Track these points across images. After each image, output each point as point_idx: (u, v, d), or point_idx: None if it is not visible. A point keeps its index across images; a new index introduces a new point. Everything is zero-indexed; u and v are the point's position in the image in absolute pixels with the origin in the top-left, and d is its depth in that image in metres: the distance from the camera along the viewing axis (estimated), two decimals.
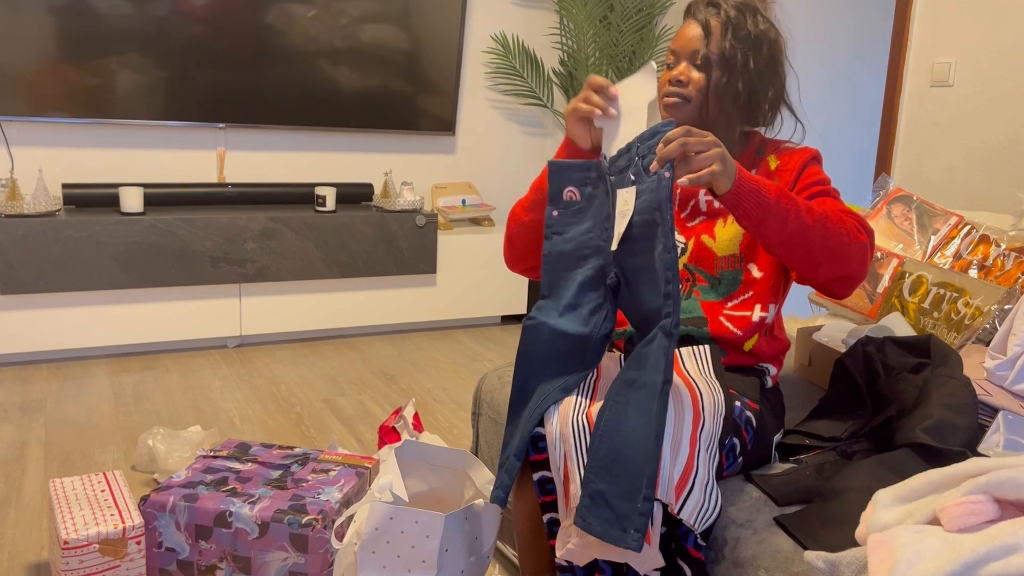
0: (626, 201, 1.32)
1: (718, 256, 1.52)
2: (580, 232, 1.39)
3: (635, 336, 1.34)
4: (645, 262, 1.28)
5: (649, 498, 1.16)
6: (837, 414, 1.52)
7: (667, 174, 1.24)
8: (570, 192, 1.40)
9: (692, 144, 1.24)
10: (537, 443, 1.37)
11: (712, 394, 1.31)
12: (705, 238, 1.54)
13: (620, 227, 1.31)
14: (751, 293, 1.50)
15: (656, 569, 1.23)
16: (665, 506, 1.19)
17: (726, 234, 1.52)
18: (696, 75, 1.48)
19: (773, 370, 1.57)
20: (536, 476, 1.37)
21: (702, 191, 1.57)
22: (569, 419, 1.29)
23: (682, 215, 1.58)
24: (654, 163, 1.26)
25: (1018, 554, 0.87)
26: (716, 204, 1.55)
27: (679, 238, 1.57)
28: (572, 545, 1.22)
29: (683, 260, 1.55)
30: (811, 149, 1.54)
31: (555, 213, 1.40)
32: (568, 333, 1.35)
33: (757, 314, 1.49)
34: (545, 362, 1.35)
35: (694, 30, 1.49)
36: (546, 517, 1.37)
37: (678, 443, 1.21)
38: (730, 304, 1.51)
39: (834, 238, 1.34)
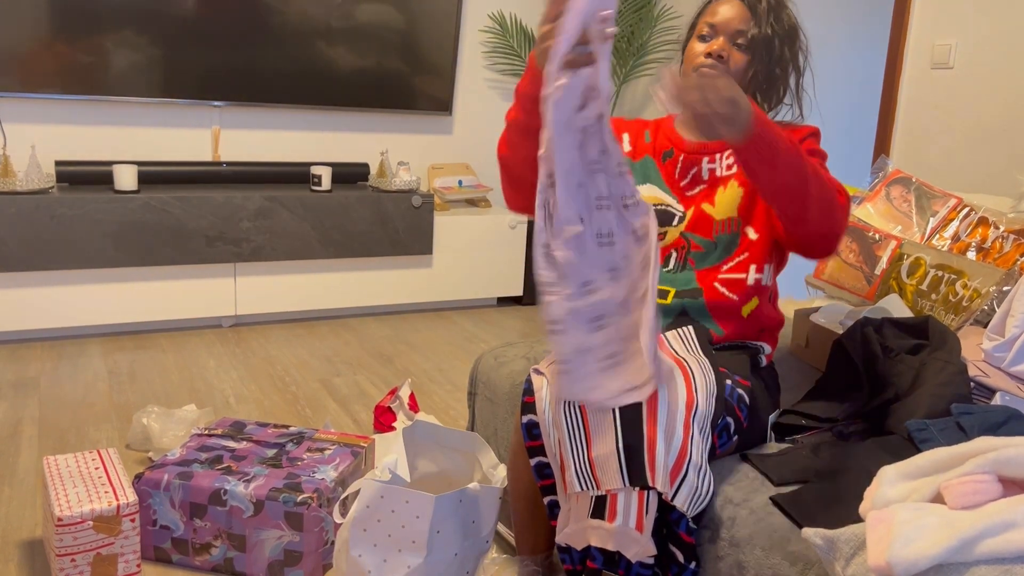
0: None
1: (716, 220, 1.53)
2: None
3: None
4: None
5: None
6: (834, 395, 1.52)
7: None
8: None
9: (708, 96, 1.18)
10: (531, 430, 1.36)
11: (704, 374, 1.30)
12: (705, 206, 1.54)
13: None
14: (746, 255, 1.51)
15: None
16: (660, 494, 1.19)
17: (725, 199, 1.53)
18: (737, 55, 1.49)
19: (767, 348, 1.56)
20: (533, 461, 1.36)
21: (705, 159, 1.56)
22: (561, 406, 1.28)
23: (682, 184, 1.57)
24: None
25: (1014, 530, 0.86)
26: (718, 172, 1.55)
27: (677, 207, 1.56)
28: (569, 529, 1.22)
29: (680, 228, 1.55)
30: (810, 126, 1.54)
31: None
32: None
33: (752, 276, 1.49)
34: None
35: (738, 8, 1.50)
36: (546, 500, 1.36)
37: (672, 429, 1.20)
38: (725, 268, 1.51)
39: (826, 191, 1.35)
